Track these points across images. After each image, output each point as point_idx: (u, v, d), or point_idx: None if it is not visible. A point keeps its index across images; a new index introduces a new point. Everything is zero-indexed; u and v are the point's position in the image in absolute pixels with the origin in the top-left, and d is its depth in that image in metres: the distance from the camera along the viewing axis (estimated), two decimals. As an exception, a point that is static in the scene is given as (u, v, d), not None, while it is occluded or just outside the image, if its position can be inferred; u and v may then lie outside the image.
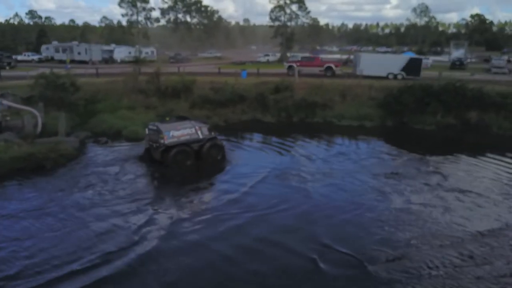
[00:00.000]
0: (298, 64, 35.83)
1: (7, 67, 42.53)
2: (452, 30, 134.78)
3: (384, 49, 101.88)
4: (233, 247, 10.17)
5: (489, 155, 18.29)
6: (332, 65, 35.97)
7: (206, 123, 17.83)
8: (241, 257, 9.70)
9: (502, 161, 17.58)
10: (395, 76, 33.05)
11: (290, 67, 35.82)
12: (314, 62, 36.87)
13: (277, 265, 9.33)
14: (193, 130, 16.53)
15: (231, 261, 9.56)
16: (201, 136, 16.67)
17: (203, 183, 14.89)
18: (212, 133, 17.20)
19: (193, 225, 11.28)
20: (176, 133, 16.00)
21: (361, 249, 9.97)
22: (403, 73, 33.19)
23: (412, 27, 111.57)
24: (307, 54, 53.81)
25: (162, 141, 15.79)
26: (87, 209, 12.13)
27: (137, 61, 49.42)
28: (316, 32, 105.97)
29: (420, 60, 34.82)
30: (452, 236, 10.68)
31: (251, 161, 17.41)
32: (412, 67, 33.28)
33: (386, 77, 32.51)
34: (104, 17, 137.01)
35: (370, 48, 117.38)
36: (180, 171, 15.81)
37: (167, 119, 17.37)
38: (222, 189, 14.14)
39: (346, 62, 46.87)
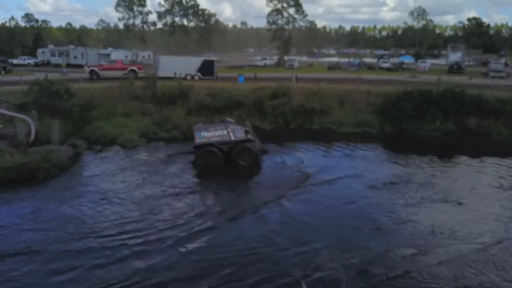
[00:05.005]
0: (100, 68, 36.00)
1: (3, 72, 41.88)
2: (449, 32, 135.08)
3: (381, 52, 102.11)
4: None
5: (489, 162, 18.12)
6: (136, 68, 36.73)
7: (246, 126, 17.90)
8: None
9: (503, 165, 17.43)
10: (192, 77, 35.00)
11: (92, 71, 35.35)
12: (116, 65, 36.77)
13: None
14: (225, 132, 16.95)
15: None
16: (232, 138, 16.89)
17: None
18: (249, 136, 17.16)
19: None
20: (206, 134, 16.87)
21: (357, 265, 9.70)
22: (199, 73, 35.96)
23: (409, 30, 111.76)
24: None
25: (194, 141, 16.97)
26: (76, 223, 11.79)
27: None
28: (314, 35, 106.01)
29: (212, 62, 38.08)
30: (453, 252, 10.40)
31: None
32: (206, 68, 36.28)
33: (185, 78, 32.92)
34: (101, 20, 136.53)
35: (368, 51, 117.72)
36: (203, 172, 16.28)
37: (216, 120, 18.63)
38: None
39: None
